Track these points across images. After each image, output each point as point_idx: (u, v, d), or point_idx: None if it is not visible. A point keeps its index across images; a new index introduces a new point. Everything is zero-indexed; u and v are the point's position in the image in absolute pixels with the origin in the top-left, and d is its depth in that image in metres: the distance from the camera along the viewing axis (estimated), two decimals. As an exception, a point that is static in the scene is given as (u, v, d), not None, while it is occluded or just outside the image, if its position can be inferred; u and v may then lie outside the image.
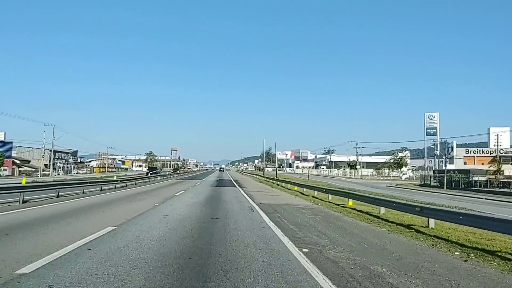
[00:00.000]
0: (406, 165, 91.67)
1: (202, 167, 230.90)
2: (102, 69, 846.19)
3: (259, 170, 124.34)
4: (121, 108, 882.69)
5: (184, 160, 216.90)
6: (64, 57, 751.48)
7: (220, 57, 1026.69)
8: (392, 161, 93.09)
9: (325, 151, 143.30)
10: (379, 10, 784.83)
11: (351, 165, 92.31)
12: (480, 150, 78.01)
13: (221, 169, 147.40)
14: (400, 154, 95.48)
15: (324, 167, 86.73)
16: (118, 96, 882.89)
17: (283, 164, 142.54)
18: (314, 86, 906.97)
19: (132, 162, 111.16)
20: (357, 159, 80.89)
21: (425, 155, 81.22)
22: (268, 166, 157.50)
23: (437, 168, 62.41)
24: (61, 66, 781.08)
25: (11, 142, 55.20)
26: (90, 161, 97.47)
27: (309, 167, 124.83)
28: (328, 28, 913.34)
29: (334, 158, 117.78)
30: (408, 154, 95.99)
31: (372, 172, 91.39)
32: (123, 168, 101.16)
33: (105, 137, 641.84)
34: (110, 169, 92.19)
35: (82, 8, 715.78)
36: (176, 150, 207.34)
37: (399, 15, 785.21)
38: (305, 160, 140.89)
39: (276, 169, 58.51)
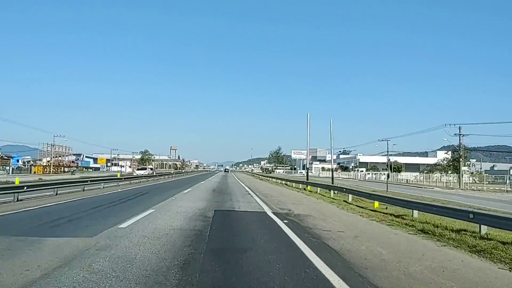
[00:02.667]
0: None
1: (204, 168, 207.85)
2: (101, 69, 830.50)
3: (266, 172, 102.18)
4: (120, 108, 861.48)
5: (184, 160, 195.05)
6: (63, 56, 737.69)
7: (224, 58, 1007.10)
8: (445, 162, 72.13)
9: (339, 151, 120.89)
10: (407, 13, 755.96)
11: (395, 167, 69.07)
12: None
13: (226, 170, 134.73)
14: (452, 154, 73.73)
15: (364, 169, 63.99)
16: (118, 96, 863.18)
17: (295, 166, 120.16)
18: (319, 86, 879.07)
19: (106, 160, 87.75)
20: (462, 158, 48.69)
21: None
22: (278, 167, 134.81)
23: None
24: (60, 65, 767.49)
25: None
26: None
27: (334, 169, 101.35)
28: (328, 29, 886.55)
29: (363, 158, 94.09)
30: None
31: (416, 177, 69.55)
32: (92, 167, 78.40)
33: (105, 137, 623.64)
34: (71, 169, 68.96)
35: (81, 7, 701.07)
36: (175, 149, 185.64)
37: (433, 21, 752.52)
38: (323, 161, 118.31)
39: (332, 171, 32.30)
